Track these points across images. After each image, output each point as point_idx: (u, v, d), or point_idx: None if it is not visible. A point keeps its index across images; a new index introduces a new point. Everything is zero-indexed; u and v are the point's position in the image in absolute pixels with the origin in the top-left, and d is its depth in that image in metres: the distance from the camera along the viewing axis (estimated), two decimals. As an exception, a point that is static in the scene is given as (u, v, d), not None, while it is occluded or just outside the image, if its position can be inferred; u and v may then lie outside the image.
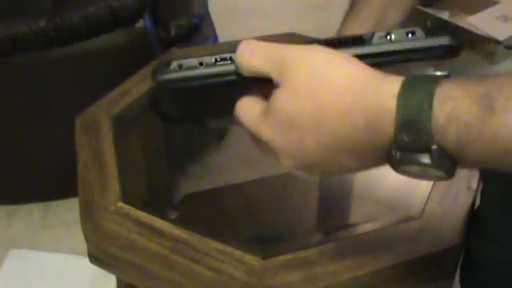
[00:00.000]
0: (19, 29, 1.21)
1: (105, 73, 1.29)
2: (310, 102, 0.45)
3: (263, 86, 0.50)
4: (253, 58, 0.49)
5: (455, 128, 0.40)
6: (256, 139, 0.50)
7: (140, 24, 1.29)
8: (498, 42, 1.85)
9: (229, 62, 0.52)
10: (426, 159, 0.42)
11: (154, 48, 1.34)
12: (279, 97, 0.47)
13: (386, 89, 0.43)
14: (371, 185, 0.91)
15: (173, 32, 1.39)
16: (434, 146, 0.41)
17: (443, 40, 0.49)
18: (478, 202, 0.72)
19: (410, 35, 0.50)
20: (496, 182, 0.67)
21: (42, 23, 1.21)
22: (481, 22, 1.93)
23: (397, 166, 0.44)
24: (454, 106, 0.40)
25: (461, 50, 0.50)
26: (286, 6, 2.30)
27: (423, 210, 0.72)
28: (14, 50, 1.23)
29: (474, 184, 0.74)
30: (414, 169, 0.43)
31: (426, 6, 1.99)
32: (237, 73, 0.51)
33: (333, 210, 0.90)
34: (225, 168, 1.07)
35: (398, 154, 0.43)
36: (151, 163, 0.99)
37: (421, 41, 0.50)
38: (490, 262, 0.64)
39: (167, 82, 0.54)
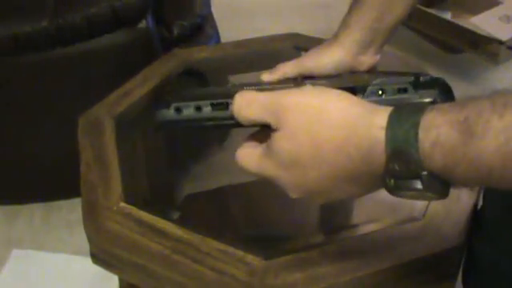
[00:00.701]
0: (21, 29, 1.21)
1: (107, 73, 1.29)
2: (308, 141, 0.49)
3: (259, 128, 0.54)
4: (250, 110, 0.53)
5: (440, 153, 0.43)
6: (262, 178, 0.54)
7: (142, 24, 1.29)
8: (500, 43, 1.85)
9: (225, 106, 0.56)
10: (418, 185, 0.45)
11: (157, 48, 1.34)
12: (279, 140, 0.51)
13: (375, 122, 0.46)
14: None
15: (175, 32, 1.39)
16: (424, 173, 0.44)
17: (432, 95, 0.55)
18: (480, 203, 0.72)
19: (401, 92, 0.56)
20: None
21: (45, 23, 1.21)
22: (484, 23, 1.92)
23: (392, 192, 0.47)
24: (438, 133, 0.43)
25: (451, 100, 0.55)
26: (288, 6, 2.30)
27: (426, 210, 0.72)
28: (16, 50, 1.23)
29: (477, 184, 0.74)
30: (409, 193, 0.46)
31: (428, 6, 1.99)
32: (232, 117, 0.55)
33: (335, 210, 0.90)
34: (227, 168, 1.07)
35: (392, 181, 0.46)
36: (153, 163, 0.99)
37: (410, 98, 0.56)
38: (493, 264, 0.64)
39: (165, 123, 0.59)
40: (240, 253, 0.66)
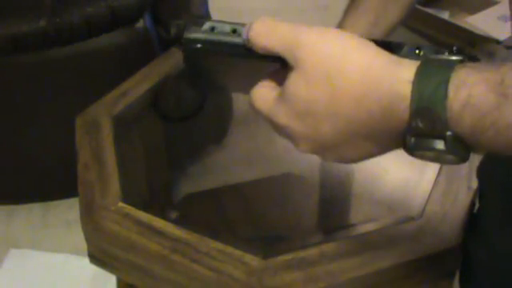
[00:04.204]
0: (19, 29, 1.21)
1: (105, 72, 1.29)
2: (325, 90, 0.45)
3: (281, 64, 0.49)
4: (268, 38, 0.49)
5: (470, 115, 0.40)
6: (271, 124, 0.50)
7: (140, 24, 1.29)
8: (498, 42, 1.85)
9: None
10: (440, 145, 0.42)
11: (154, 48, 1.34)
12: (294, 82, 0.47)
13: (400, 75, 0.43)
14: (371, 185, 0.91)
15: (173, 32, 1.39)
16: (449, 133, 0.41)
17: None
18: (477, 204, 0.72)
19: (438, 53, 0.50)
20: (493, 184, 0.67)
21: (43, 23, 1.21)
22: (481, 22, 1.93)
23: (411, 151, 0.44)
24: (469, 93, 0.40)
25: None
26: (285, 8, 2.30)
27: (423, 210, 0.72)
28: (14, 50, 1.23)
29: (475, 184, 0.74)
30: (429, 154, 0.44)
31: (425, 5, 1.99)
32: None
33: (333, 210, 0.90)
34: (225, 168, 1.07)
35: (413, 139, 0.43)
36: (151, 163, 0.99)
37: None
38: (489, 265, 0.64)
39: (196, 41, 0.53)
40: (238, 252, 0.67)
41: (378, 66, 0.44)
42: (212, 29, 0.52)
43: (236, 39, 0.51)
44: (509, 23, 1.91)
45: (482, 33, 1.88)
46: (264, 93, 0.50)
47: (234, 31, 0.52)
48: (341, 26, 0.72)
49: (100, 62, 1.31)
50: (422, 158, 0.44)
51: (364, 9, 0.71)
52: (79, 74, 1.32)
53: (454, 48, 0.50)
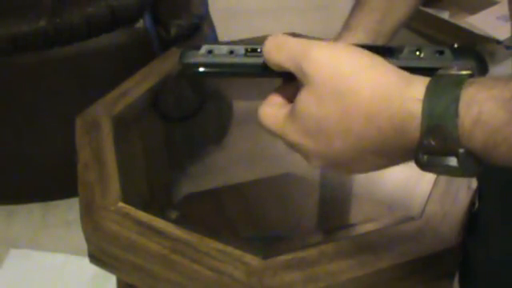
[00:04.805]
0: (19, 29, 1.21)
1: (105, 72, 1.29)
2: (335, 107, 0.46)
3: (291, 80, 0.50)
4: (278, 54, 0.49)
5: (481, 132, 0.40)
6: (283, 141, 0.51)
7: (140, 24, 1.29)
8: (498, 42, 1.86)
9: (259, 53, 0.52)
10: (453, 162, 0.42)
11: (154, 48, 1.34)
12: (304, 100, 0.47)
13: (411, 93, 0.43)
14: (371, 185, 0.91)
15: (173, 32, 1.39)
16: (461, 150, 0.42)
17: (470, 64, 0.49)
18: (476, 204, 0.72)
19: (438, 54, 0.50)
20: (492, 183, 0.67)
21: (43, 23, 1.21)
22: (481, 22, 1.93)
23: (424, 168, 0.44)
24: (480, 110, 0.40)
25: (484, 74, 0.50)
26: (287, 6, 2.30)
27: (423, 210, 0.72)
28: (14, 50, 1.23)
29: (474, 184, 0.74)
30: (441, 170, 0.44)
31: (426, 5, 1.99)
32: (266, 66, 0.51)
33: (333, 210, 0.90)
34: (225, 168, 1.07)
35: (425, 157, 0.43)
36: (151, 163, 0.99)
37: (448, 62, 0.50)
38: (488, 266, 0.64)
39: (194, 65, 0.54)
40: (238, 252, 0.67)
41: (388, 84, 0.45)
42: (209, 51, 0.53)
43: (234, 59, 0.53)
44: (509, 23, 1.91)
45: (481, 33, 1.88)
46: (273, 112, 0.51)
47: (231, 52, 0.53)
48: (347, 24, 0.72)
49: (100, 61, 1.31)
50: (433, 172, 0.45)
51: (370, 7, 0.70)
52: (79, 74, 1.32)
53: (455, 45, 0.50)
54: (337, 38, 0.72)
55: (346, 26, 0.71)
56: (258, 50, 0.52)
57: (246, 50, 0.53)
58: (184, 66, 0.54)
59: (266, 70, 0.51)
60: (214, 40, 1.56)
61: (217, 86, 1.14)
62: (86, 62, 1.30)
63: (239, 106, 1.09)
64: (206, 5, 1.55)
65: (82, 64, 1.30)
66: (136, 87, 0.95)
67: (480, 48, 1.87)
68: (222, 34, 1.63)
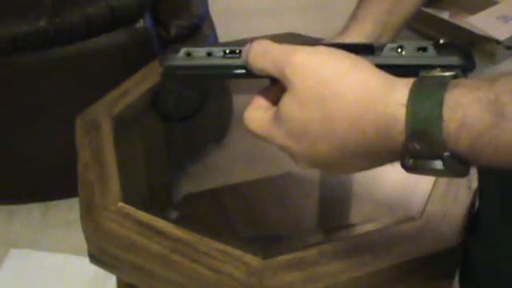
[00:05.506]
0: (19, 29, 1.21)
1: (105, 73, 1.29)
2: (319, 111, 0.46)
3: (273, 81, 0.50)
4: (263, 60, 0.49)
5: (467, 135, 0.40)
6: (270, 143, 0.51)
7: (140, 24, 1.29)
8: (498, 42, 1.85)
9: (237, 55, 0.52)
10: (438, 165, 0.42)
11: (154, 48, 1.34)
12: (287, 104, 0.47)
13: (394, 98, 0.43)
14: (371, 185, 0.91)
15: (173, 32, 1.39)
16: (447, 154, 0.41)
17: (453, 60, 0.48)
18: (477, 204, 0.72)
19: (421, 51, 0.50)
20: (492, 182, 0.67)
21: (42, 23, 1.21)
22: (481, 22, 1.93)
23: (410, 171, 0.44)
24: (465, 113, 0.40)
25: (471, 71, 0.49)
26: (287, 6, 2.30)
27: (423, 210, 0.72)
28: (14, 50, 1.23)
29: (475, 184, 0.74)
30: (427, 173, 0.44)
31: (426, 5, 1.99)
32: (244, 67, 0.51)
33: (333, 210, 0.90)
34: (225, 168, 1.07)
35: (411, 161, 0.43)
36: (151, 163, 0.99)
37: (431, 59, 0.49)
38: (489, 266, 0.64)
39: (174, 68, 0.55)
40: (238, 252, 0.67)
41: (371, 88, 0.44)
42: (188, 54, 0.54)
43: (213, 61, 0.53)
44: (509, 23, 1.92)
45: (481, 33, 1.88)
46: (258, 115, 0.51)
47: (209, 54, 0.53)
48: (354, 15, 0.71)
49: (100, 61, 1.31)
50: (420, 174, 0.45)
51: (376, 2, 0.70)
52: (79, 74, 1.32)
53: (441, 41, 0.49)
54: (343, 29, 0.71)
55: (353, 17, 0.70)
56: (237, 52, 0.52)
57: (224, 52, 0.53)
58: (164, 68, 0.55)
59: (244, 71, 0.52)
60: (214, 41, 1.56)
61: (217, 86, 1.14)
62: (85, 62, 1.30)
63: (239, 105, 1.09)
64: (206, 5, 1.55)
65: (82, 64, 1.30)
66: (136, 87, 0.95)
67: (479, 51, 1.87)
68: (222, 34, 1.63)
